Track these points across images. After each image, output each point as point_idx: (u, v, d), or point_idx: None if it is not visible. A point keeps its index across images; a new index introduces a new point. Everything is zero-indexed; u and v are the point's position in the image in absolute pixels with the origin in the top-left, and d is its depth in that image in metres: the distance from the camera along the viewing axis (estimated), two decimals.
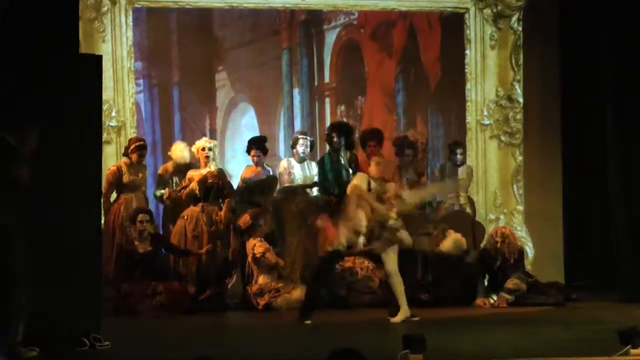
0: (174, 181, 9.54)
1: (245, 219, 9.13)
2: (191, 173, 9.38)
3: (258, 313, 8.78)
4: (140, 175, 9.41)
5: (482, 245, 9.55)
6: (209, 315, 8.70)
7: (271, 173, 9.68)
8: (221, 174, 9.44)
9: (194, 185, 9.24)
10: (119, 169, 9.33)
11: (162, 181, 9.58)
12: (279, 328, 7.86)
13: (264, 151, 9.64)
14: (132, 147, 9.39)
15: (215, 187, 9.31)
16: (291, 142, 9.81)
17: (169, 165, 9.64)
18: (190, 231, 9.22)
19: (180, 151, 9.55)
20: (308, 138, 9.70)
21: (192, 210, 9.29)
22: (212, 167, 9.38)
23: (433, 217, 9.37)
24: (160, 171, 9.68)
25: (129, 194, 9.32)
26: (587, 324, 7.61)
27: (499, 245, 9.18)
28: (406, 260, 8.34)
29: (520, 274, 9.15)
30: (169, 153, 9.74)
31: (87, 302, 6.49)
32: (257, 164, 9.57)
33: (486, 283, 9.22)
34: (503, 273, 9.12)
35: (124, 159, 9.45)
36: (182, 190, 9.32)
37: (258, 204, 9.38)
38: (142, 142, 9.46)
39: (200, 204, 9.25)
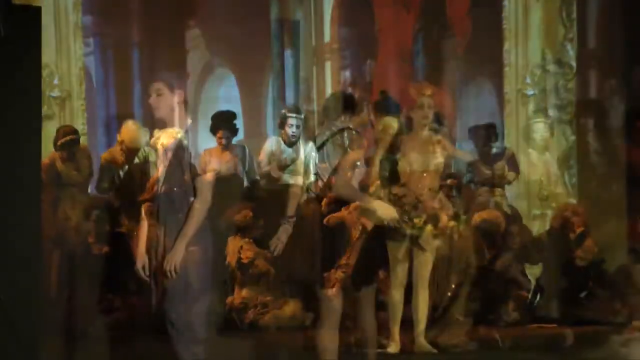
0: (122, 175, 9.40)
1: (246, 214, 9.11)
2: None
3: (241, 332, 8.79)
4: (79, 169, 9.24)
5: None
6: None
7: (246, 151, 9.55)
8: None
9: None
10: (52, 163, 9.15)
11: (108, 172, 9.40)
12: (268, 352, 7.85)
13: (234, 131, 9.52)
14: (59, 142, 9.17)
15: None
16: (278, 121, 9.69)
17: (117, 152, 9.46)
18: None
19: (132, 132, 9.34)
20: (299, 117, 9.51)
21: None
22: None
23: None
24: (104, 157, 9.46)
25: (69, 192, 9.19)
26: None
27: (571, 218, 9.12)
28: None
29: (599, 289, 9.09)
30: (117, 136, 9.57)
31: (21, 322, 6.41)
32: (225, 147, 9.45)
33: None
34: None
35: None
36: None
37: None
38: (71, 137, 9.21)
39: None
